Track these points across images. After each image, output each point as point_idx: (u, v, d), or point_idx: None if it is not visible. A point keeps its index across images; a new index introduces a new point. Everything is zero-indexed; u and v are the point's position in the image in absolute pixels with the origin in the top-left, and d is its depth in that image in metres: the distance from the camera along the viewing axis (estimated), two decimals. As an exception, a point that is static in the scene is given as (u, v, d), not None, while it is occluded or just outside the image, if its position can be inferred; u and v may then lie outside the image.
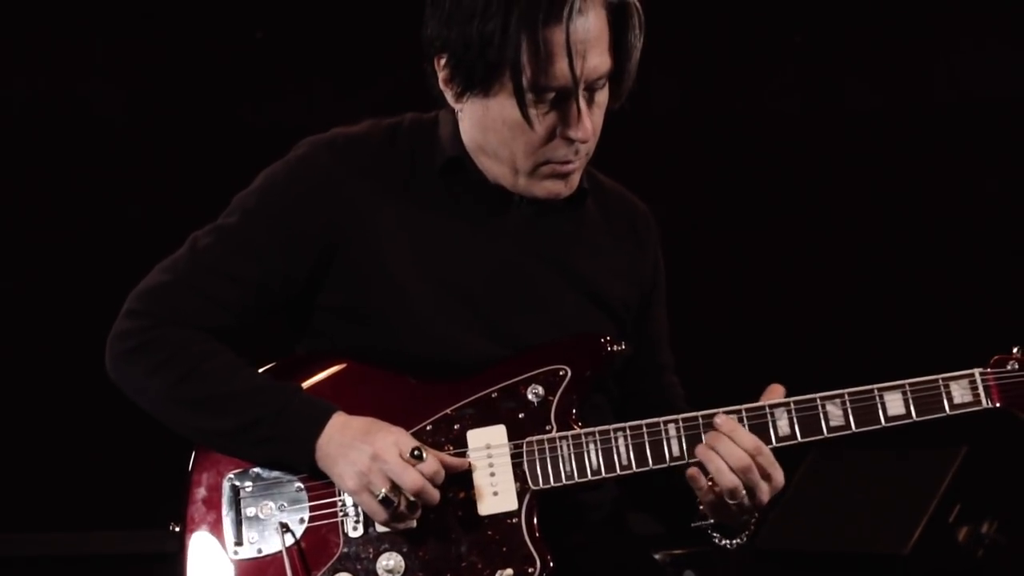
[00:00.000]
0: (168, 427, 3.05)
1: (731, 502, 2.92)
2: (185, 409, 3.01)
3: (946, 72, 5.76)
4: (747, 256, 5.78)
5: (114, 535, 5.47)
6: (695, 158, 5.78)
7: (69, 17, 5.62)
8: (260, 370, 3.06)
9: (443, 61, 2.99)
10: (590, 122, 2.98)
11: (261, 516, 3.00)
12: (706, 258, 5.60)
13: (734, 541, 3.07)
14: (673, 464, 2.96)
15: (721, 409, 2.97)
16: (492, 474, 2.96)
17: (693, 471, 2.93)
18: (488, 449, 2.97)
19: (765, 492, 2.94)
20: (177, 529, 3.04)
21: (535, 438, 2.98)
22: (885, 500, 4.46)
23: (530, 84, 2.91)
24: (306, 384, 3.04)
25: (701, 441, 2.95)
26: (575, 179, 3.07)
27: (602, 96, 3.00)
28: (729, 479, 2.90)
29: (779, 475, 2.95)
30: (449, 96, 3.03)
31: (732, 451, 2.90)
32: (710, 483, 2.92)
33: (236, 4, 5.68)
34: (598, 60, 2.94)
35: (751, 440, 2.92)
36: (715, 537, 3.07)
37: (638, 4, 2.97)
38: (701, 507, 3.02)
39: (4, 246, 5.61)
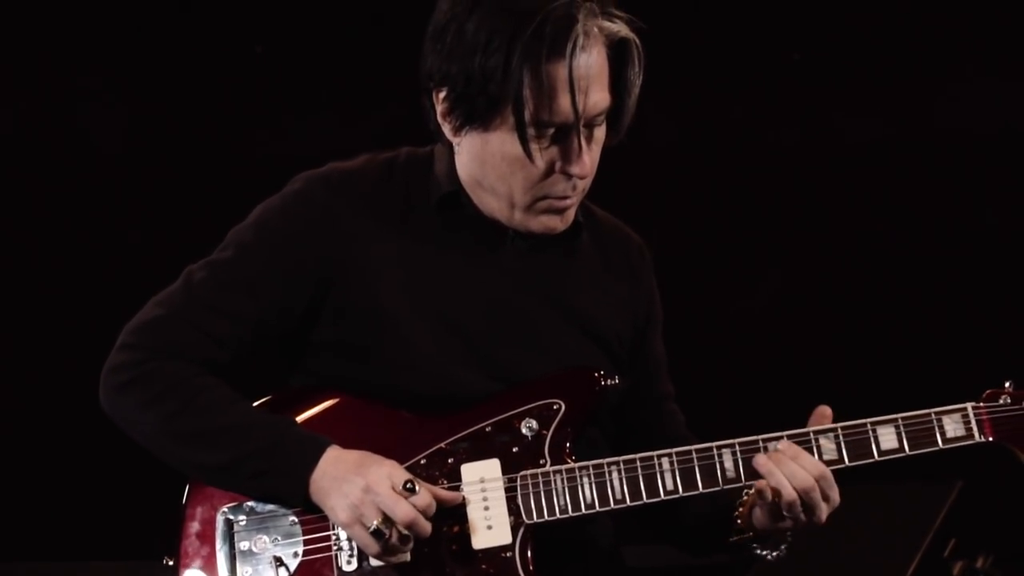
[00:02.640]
0: (162, 460, 3.05)
1: (787, 515, 2.97)
2: (179, 443, 3.01)
3: (948, 103, 5.76)
4: (743, 288, 5.77)
5: (108, 566, 5.45)
6: (692, 191, 5.78)
7: (64, 42, 5.63)
8: (254, 404, 3.06)
9: (442, 95, 2.99)
10: (589, 158, 2.99)
11: (255, 550, 3.00)
12: (702, 290, 5.60)
13: (774, 552, 3.11)
14: (667, 498, 2.97)
15: (713, 444, 2.99)
16: (486, 508, 2.96)
17: (761, 484, 2.96)
18: (482, 483, 2.97)
19: (823, 511, 2.99)
20: (171, 563, 3.04)
21: (529, 472, 2.98)
22: (879, 534, 4.46)
23: (531, 119, 2.92)
24: (300, 418, 3.04)
25: (695, 475, 2.98)
26: (571, 214, 3.08)
27: (600, 132, 3.01)
28: (788, 493, 2.94)
29: (836, 495, 3.00)
30: (447, 130, 3.04)
31: (795, 471, 2.95)
32: (775, 494, 2.96)
33: (236, 31, 5.69)
34: (598, 96, 2.96)
35: (815, 465, 2.97)
36: (755, 548, 3.10)
37: (638, 41, 2.98)
38: (739, 521, 3.06)
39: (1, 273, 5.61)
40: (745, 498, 3.06)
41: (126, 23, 5.62)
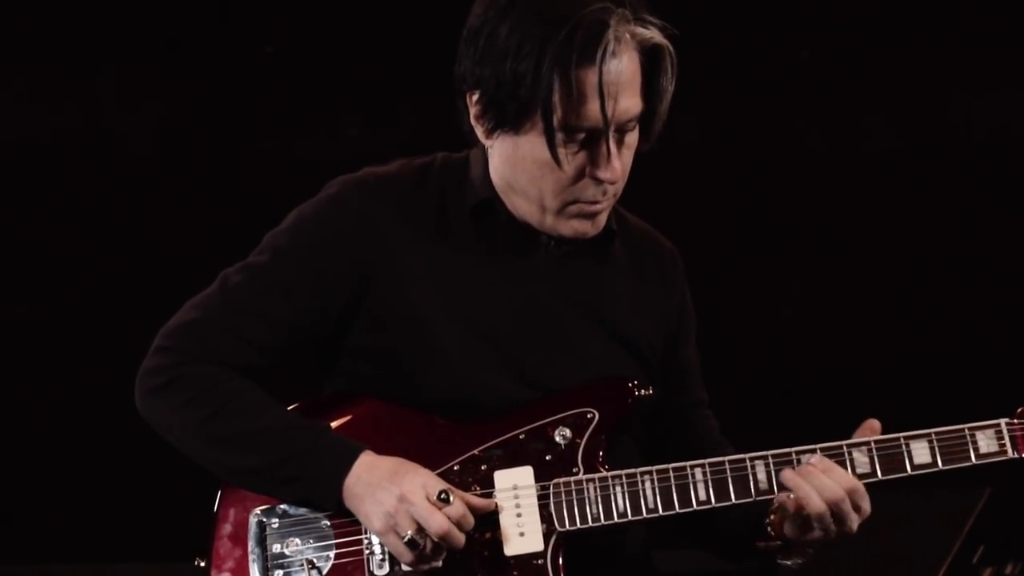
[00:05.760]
0: (196, 463, 3.07)
1: (817, 526, 2.98)
2: (213, 446, 3.02)
3: (973, 108, 5.72)
4: (768, 295, 5.74)
5: (140, 568, 5.47)
6: (715, 193, 5.76)
7: (91, 48, 5.62)
8: (288, 408, 3.08)
9: (475, 98, 3.01)
10: (619, 163, 3.00)
11: (287, 553, 3.02)
12: (727, 295, 5.58)
13: (794, 563, 3.12)
14: (699, 508, 2.99)
15: (746, 455, 3.00)
16: (519, 515, 2.98)
17: (783, 497, 2.98)
18: (515, 490, 2.99)
19: (854, 522, 3.00)
20: (203, 564, 3.06)
21: (562, 480, 2.99)
22: (908, 541, 4.46)
23: (560, 124, 2.94)
24: (334, 423, 3.06)
25: (728, 486, 2.99)
26: (602, 219, 3.09)
27: (632, 138, 3.02)
28: (817, 505, 2.95)
29: (867, 506, 3.01)
30: (480, 132, 3.05)
31: (825, 484, 2.95)
32: (798, 508, 2.97)
33: (254, 32, 5.69)
34: (629, 102, 2.96)
35: (846, 479, 2.97)
36: (777, 556, 3.11)
37: (671, 48, 2.99)
38: (770, 529, 3.07)
39: (32, 277, 5.61)
40: (776, 506, 3.07)
41: (149, 26, 5.63)
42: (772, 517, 3.07)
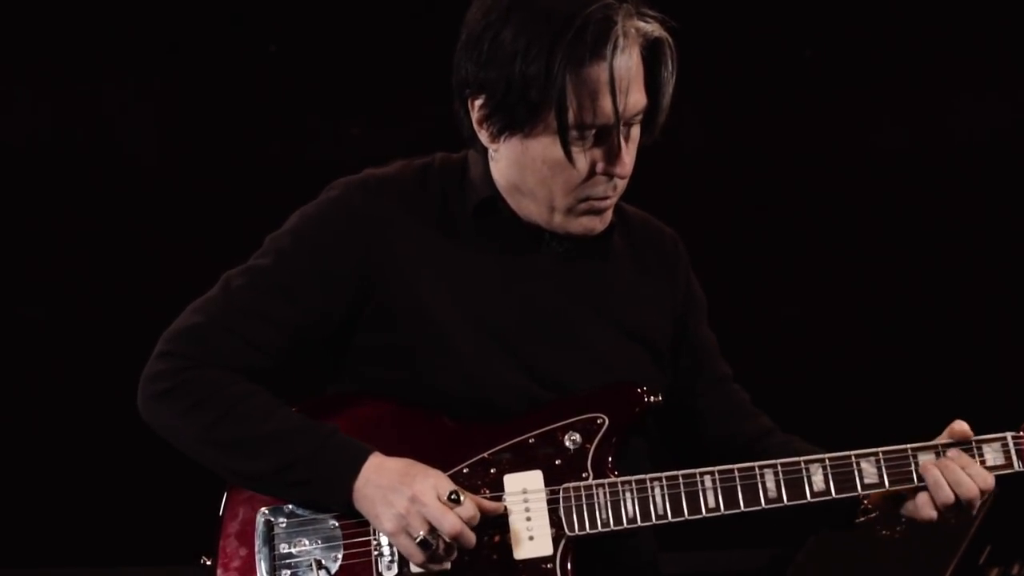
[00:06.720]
0: (202, 466, 3.06)
1: (944, 511, 3.06)
2: (219, 451, 3.02)
3: (977, 108, 5.71)
4: (772, 299, 5.73)
5: (142, 571, 5.48)
6: (717, 192, 5.75)
7: (93, 48, 5.61)
8: (294, 410, 3.06)
9: (479, 102, 3.01)
10: (629, 157, 3.02)
11: (295, 553, 3.02)
12: (729, 296, 5.56)
13: (895, 530, 3.18)
14: (708, 515, 2.99)
15: (755, 463, 3.01)
16: (528, 519, 2.99)
17: (924, 497, 3.05)
18: (525, 494, 3.00)
19: (977, 505, 3.07)
20: (209, 563, 3.06)
21: (571, 485, 3.00)
22: (915, 541, 4.47)
23: (574, 122, 2.95)
24: (341, 424, 3.04)
25: (737, 493, 3.00)
26: (609, 215, 3.11)
27: (636, 131, 3.04)
28: (947, 498, 3.03)
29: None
30: (484, 137, 3.05)
31: (962, 479, 3.02)
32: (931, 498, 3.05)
33: (257, 32, 5.68)
34: (637, 96, 2.99)
35: (983, 477, 3.04)
36: (878, 528, 3.17)
37: (670, 41, 3.00)
38: (867, 501, 3.10)
39: (34, 279, 5.61)
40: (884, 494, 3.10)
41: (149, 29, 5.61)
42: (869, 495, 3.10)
